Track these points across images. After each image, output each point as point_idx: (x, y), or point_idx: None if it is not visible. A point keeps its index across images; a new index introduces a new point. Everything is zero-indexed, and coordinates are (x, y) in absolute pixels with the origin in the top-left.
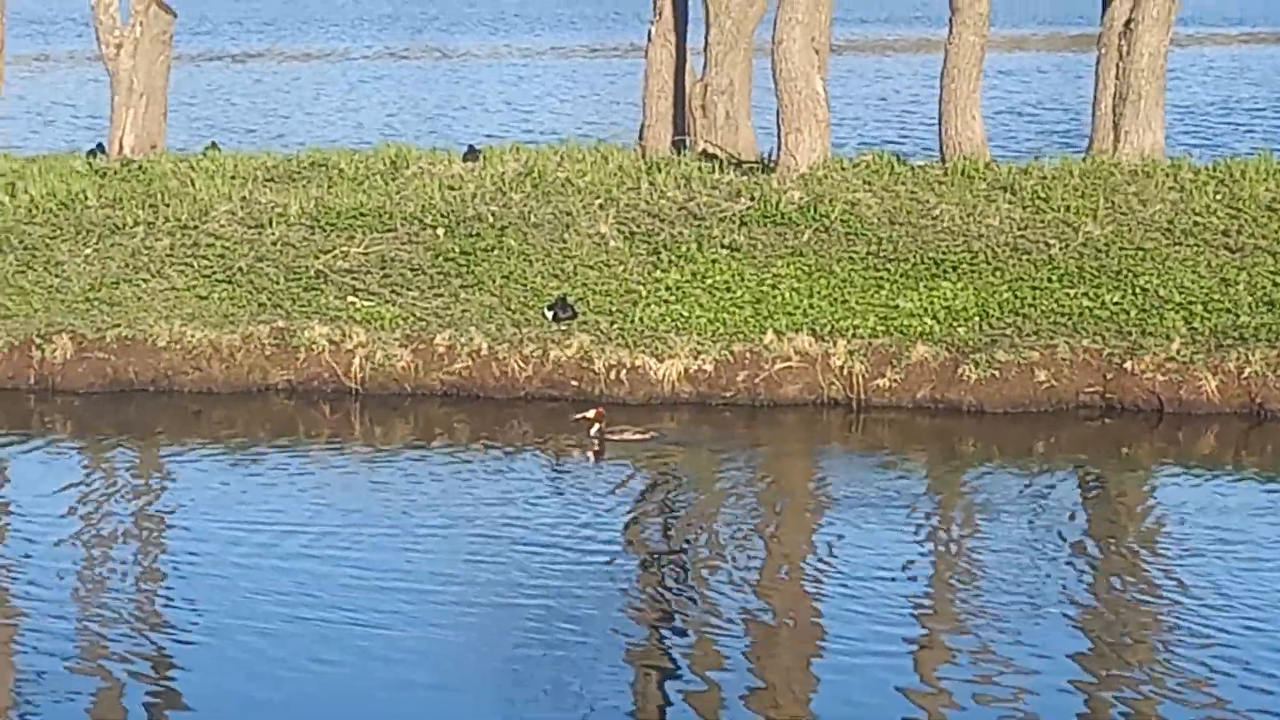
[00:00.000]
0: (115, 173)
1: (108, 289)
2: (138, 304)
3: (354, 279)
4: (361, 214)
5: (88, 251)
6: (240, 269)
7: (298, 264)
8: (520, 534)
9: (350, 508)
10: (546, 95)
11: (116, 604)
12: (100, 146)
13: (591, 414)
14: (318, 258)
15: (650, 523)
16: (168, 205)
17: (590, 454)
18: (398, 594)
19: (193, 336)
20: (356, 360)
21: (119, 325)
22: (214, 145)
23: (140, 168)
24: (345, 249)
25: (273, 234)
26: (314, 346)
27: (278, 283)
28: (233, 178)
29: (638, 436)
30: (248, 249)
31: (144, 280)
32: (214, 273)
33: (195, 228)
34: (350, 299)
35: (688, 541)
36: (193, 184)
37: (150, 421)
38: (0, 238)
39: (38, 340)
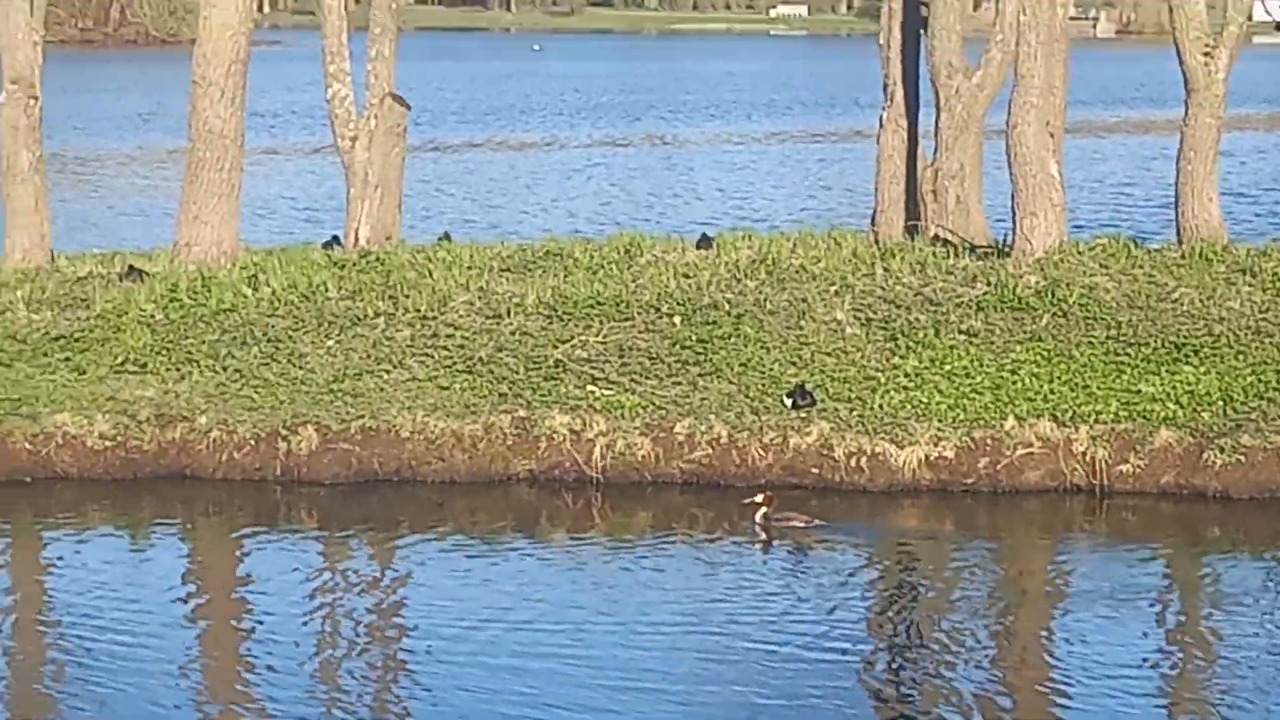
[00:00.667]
0: (354, 264)
1: (351, 380)
2: (380, 395)
3: (593, 368)
4: (598, 303)
5: (330, 343)
6: (480, 359)
7: (537, 353)
8: (753, 626)
9: (587, 601)
10: (765, 181)
11: (350, 695)
12: (336, 238)
13: (759, 498)
14: (556, 347)
15: (886, 613)
16: (407, 296)
17: (759, 541)
18: (629, 690)
19: (435, 427)
20: (597, 449)
21: (363, 416)
22: (446, 236)
23: (378, 259)
24: (584, 338)
25: (511, 324)
26: (555, 436)
27: (518, 372)
28: (469, 268)
29: (803, 524)
30: (487, 339)
31: (386, 371)
32: (454, 363)
33: (434, 318)
34: (590, 388)
35: (925, 633)
36: (430, 274)
37: (393, 512)
38: (244, 330)
39: (283, 431)
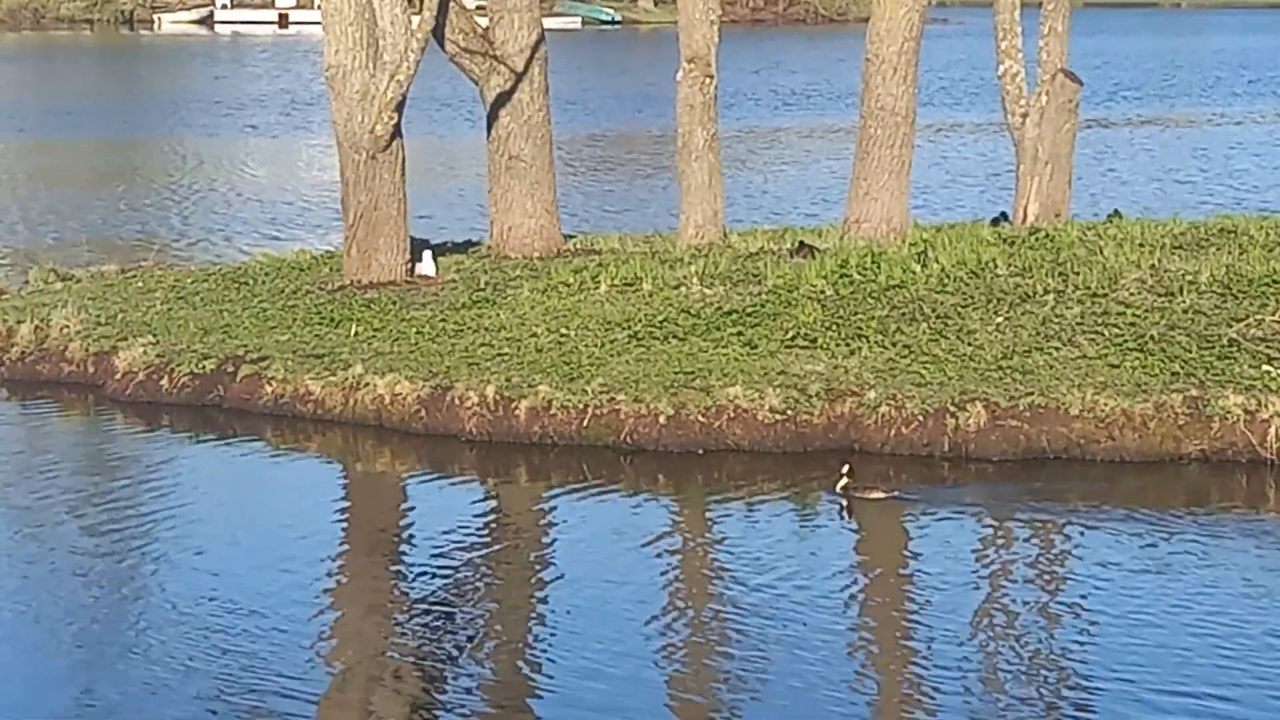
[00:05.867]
0: (1023, 241)
1: (1019, 357)
2: (1049, 372)
3: (1269, 347)
4: (1275, 281)
5: (999, 320)
6: (1152, 337)
7: (1210, 332)
8: None
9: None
10: None
11: (1012, 680)
12: (1004, 215)
13: (845, 469)
14: (1230, 325)
15: None
16: (1077, 273)
17: (840, 510)
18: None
19: (1105, 405)
20: (1272, 430)
21: (1031, 393)
22: (1117, 213)
23: (1048, 236)
24: (1259, 317)
25: (1184, 301)
26: (1229, 416)
27: (1190, 351)
28: (1140, 245)
29: (882, 495)
30: (1159, 317)
31: (1055, 349)
32: (1125, 341)
33: (1105, 295)
34: (1265, 368)
35: None
36: (1100, 251)
37: (1062, 490)
38: (913, 306)
39: (952, 408)
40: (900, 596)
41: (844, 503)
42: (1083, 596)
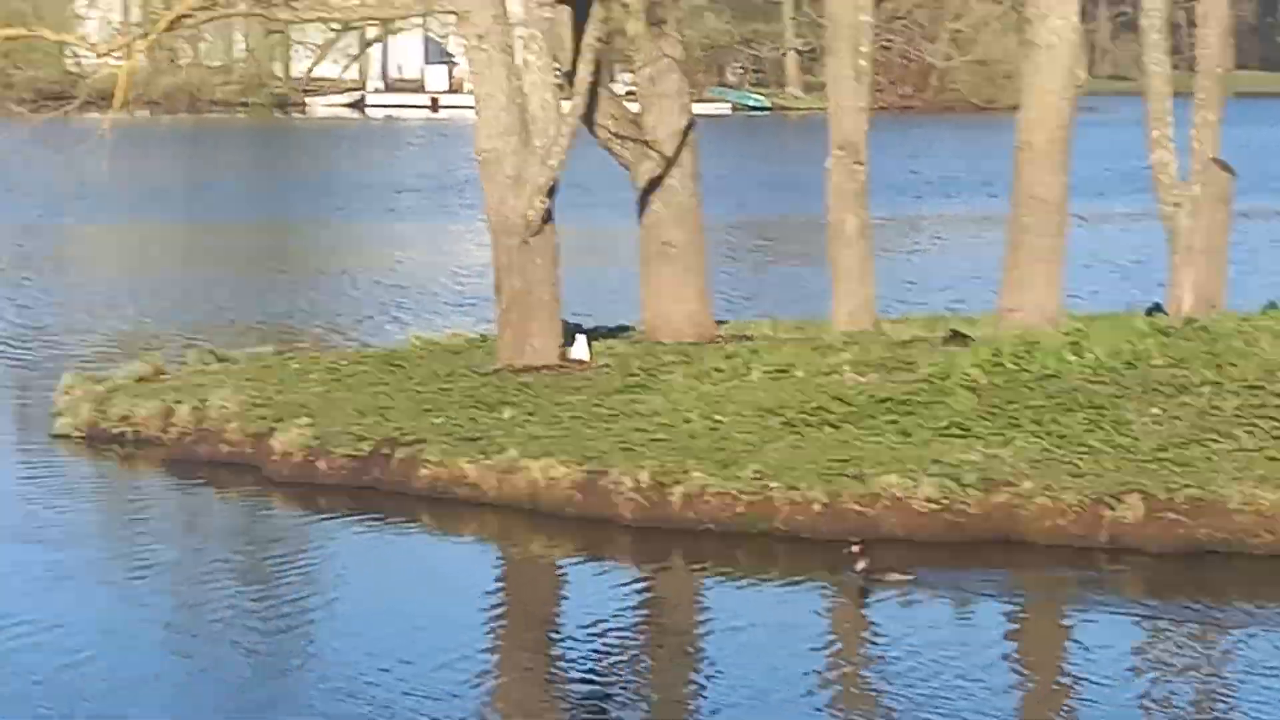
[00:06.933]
0: (1178, 331)
1: (1176, 449)
2: (1207, 464)
3: None
4: None
5: (1154, 411)
6: None
7: None
8: None
9: None
10: None
11: None
12: (1158, 305)
13: (856, 549)
14: None
15: None
16: (1233, 365)
17: (856, 592)
18: None
19: (1265, 499)
20: None
21: (1189, 485)
22: (1273, 304)
23: (1203, 327)
24: None
25: None
26: None
27: None
28: None
29: (901, 577)
30: None
31: (1212, 440)
32: None
33: (1262, 388)
34: None
35: None
36: (1257, 343)
37: (1221, 585)
38: (1068, 396)
39: (1109, 499)
40: (1050, 691)
41: (862, 585)
42: (1232, 694)
